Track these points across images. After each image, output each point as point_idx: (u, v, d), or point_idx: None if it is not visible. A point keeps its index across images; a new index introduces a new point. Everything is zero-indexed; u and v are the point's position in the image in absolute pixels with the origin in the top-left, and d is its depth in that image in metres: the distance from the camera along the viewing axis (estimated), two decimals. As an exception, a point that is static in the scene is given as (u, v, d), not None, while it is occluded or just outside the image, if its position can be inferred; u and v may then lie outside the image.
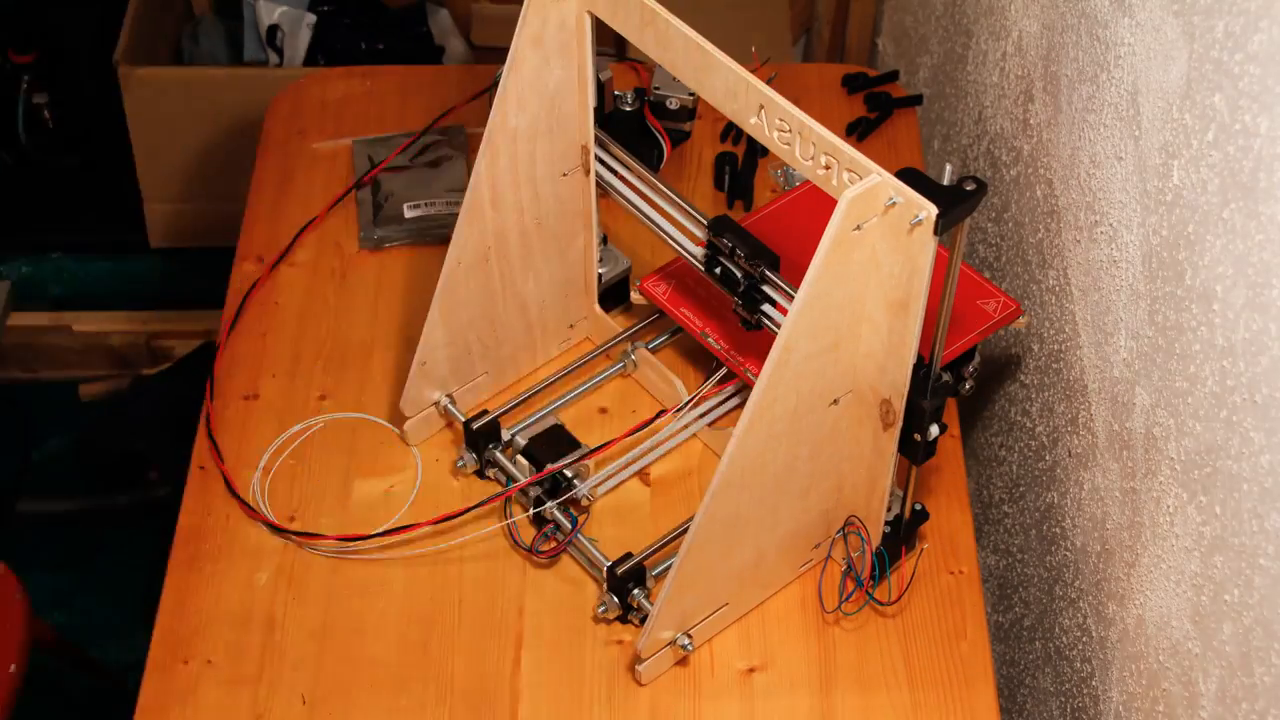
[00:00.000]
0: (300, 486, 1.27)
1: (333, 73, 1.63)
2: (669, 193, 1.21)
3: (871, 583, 1.17)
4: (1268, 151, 0.87)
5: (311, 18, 2.18)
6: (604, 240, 1.34)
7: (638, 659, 1.13)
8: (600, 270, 1.33)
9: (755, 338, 1.22)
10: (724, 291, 1.19)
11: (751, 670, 1.17)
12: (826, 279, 0.96)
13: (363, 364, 1.35)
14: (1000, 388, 1.47)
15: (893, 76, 1.62)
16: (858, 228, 0.95)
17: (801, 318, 0.97)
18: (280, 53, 2.20)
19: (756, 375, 1.17)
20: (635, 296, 1.30)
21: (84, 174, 2.34)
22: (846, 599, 1.18)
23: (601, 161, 1.23)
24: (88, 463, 2.10)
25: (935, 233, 0.95)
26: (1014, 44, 1.39)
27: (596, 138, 1.21)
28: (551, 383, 1.31)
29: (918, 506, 1.19)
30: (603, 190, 1.25)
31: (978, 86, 1.52)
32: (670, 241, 1.22)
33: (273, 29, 2.19)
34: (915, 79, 1.77)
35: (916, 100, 1.59)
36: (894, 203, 0.95)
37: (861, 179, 0.95)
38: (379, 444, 1.30)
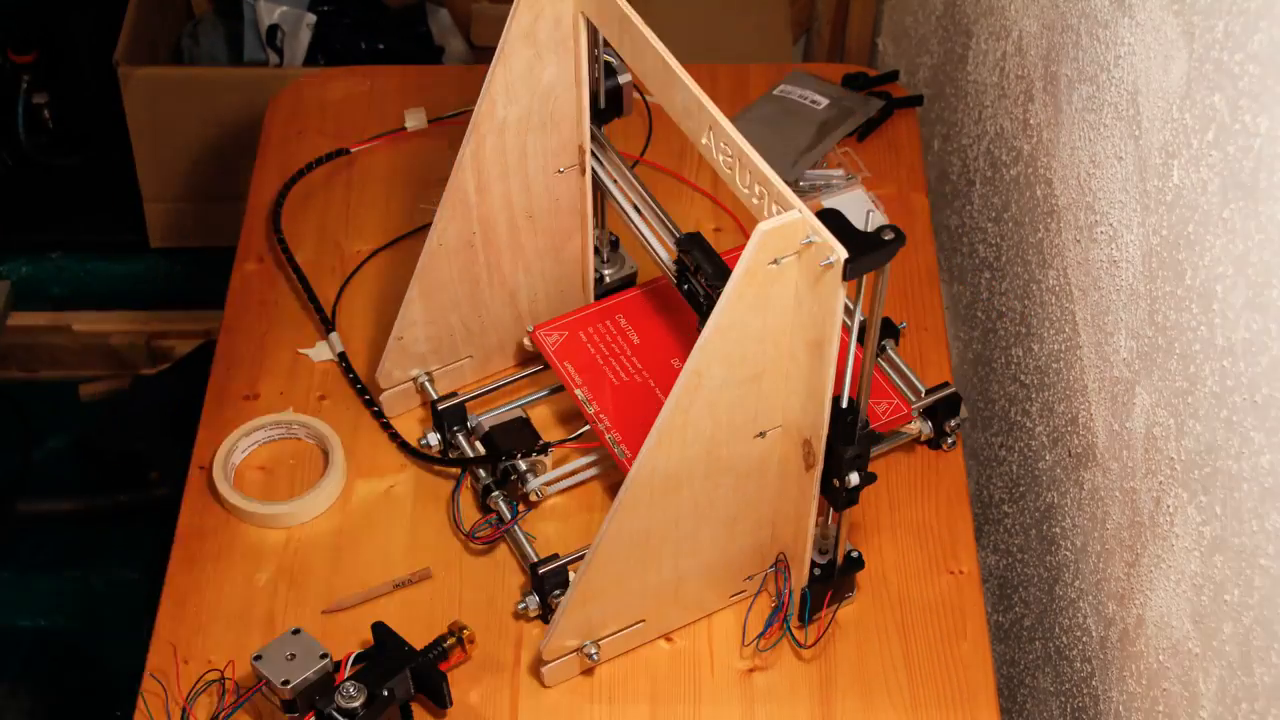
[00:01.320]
0: (300, 487, 1.27)
1: (333, 73, 1.63)
2: (653, 204, 1.22)
3: (798, 622, 1.16)
4: (1268, 151, 0.87)
5: (311, 18, 2.18)
6: (615, 244, 1.34)
7: (542, 660, 1.13)
8: (606, 272, 1.33)
9: (641, 406, 1.22)
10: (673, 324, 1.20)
11: (751, 670, 1.17)
12: (740, 308, 0.97)
13: (362, 363, 1.35)
14: (1000, 388, 1.47)
15: (893, 76, 1.62)
16: (774, 262, 0.95)
17: (711, 344, 0.98)
18: (280, 53, 2.20)
19: (618, 441, 1.19)
20: (526, 343, 1.30)
21: (84, 174, 2.33)
22: (760, 635, 1.16)
23: (599, 162, 1.23)
24: (88, 463, 2.10)
25: (844, 277, 0.95)
26: (1014, 44, 1.39)
27: (595, 138, 1.21)
28: (529, 375, 1.32)
29: (854, 553, 1.18)
30: (601, 189, 1.25)
31: (978, 86, 1.52)
32: (651, 253, 1.23)
33: (273, 29, 2.19)
34: (915, 79, 1.77)
35: (917, 100, 1.59)
36: (810, 241, 0.95)
37: (784, 213, 0.96)
38: (379, 444, 1.30)
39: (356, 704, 1.06)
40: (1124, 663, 1.16)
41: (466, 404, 1.27)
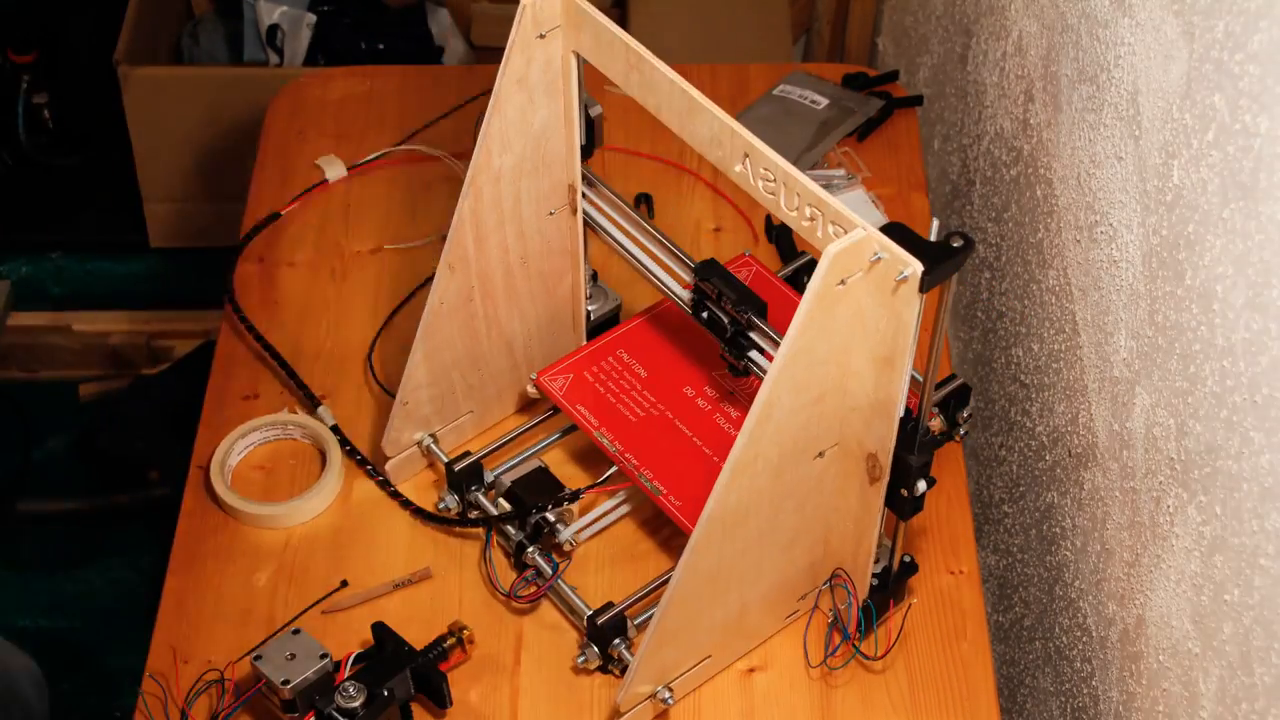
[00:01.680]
0: (299, 487, 1.27)
1: (333, 73, 1.63)
2: (657, 234, 1.19)
3: (858, 636, 1.15)
4: (1268, 151, 0.87)
5: (311, 18, 2.18)
6: (594, 277, 1.32)
7: (617, 713, 1.12)
8: (590, 307, 1.30)
9: (657, 437, 1.20)
10: (707, 337, 1.17)
11: (752, 670, 1.17)
12: (810, 333, 0.95)
13: (362, 364, 1.35)
14: (1000, 388, 1.47)
15: (893, 76, 1.62)
16: (842, 282, 0.93)
17: (784, 372, 0.96)
18: (280, 53, 2.20)
19: (650, 479, 1.16)
20: (531, 390, 1.26)
21: (84, 174, 2.34)
22: (832, 653, 1.15)
23: (589, 200, 1.21)
24: (88, 463, 2.10)
25: (920, 290, 0.94)
26: (1014, 44, 1.39)
27: (584, 176, 1.19)
28: (537, 424, 1.28)
29: (907, 559, 1.17)
30: (594, 227, 1.23)
31: (978, 86, 1.52)
32: (657, 284, 1.20)
33: (273, 29, 2.19)
34: (915, 79, 1.77)
35: (917, 100, 1.59)
36: (879, 258, 0.94)
37: (847, 233, 0.94)
38: (379, 443, 1.30)
39: (356, 704, 1.06)
40: (1124, 663, 1.16)
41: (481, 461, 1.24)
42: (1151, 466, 1.08)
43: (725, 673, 1.16)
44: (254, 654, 1.08)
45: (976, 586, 1.22)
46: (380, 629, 1.12)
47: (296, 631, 1.09)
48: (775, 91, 1.57)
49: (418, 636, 1.13)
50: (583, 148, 1.17)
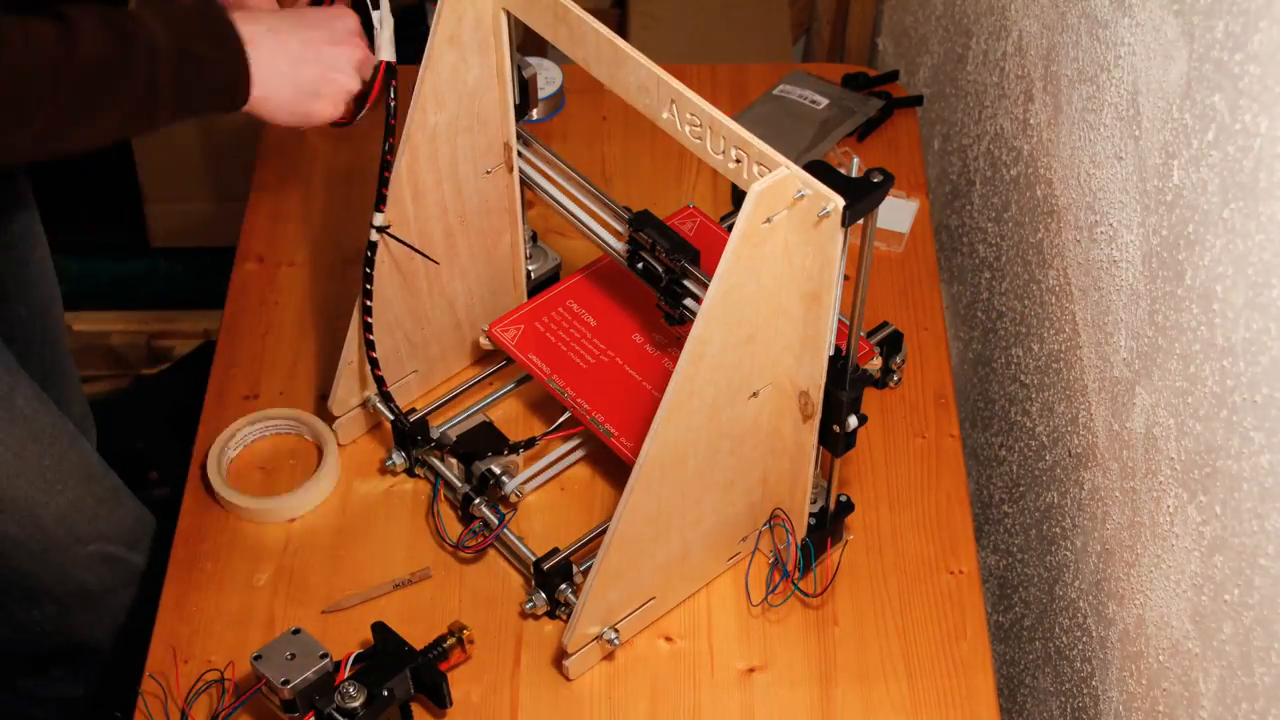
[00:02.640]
0: (297, 483, 1.27)
1: (333, 73, 1.63)
2: (592, 189, 1.21)
3: (797, 574, 1.18)
4: (1268, 151, 0.87)
5: (311, 18, 2.18)
6: (534, 238, 1.34)
7: (564, 654, 1.13)
8: (530, 267, 1.33)
9: (607, 383, 1.22)
10: (642, 290, 1.19)
11: (751, 670, 1.17)
12: (738, 272, 0.97)
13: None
14: (1000, 388, 1.47)
15: (893, 76, 1.62)
16: (768, 220, 0.95)
17: (714, 310, 0.98)
18: (280, 53, 2.19)
19: (602, 422, 1.18)
20: (484, 342, 1.28)
21: (84, 174, 2.33)
22: (772, 591, 1.18)
23: (525, 158, 1.23)
24: (88, 463, 2.09)
25: (842, 224, 0.96)
26: (1014, 44, 1.39)
27: (519, 134, 1.21)
28: (480, 380, 1.31)
29: (843, 498, 1.20)
30: (530, 184, 1.25)
31: (978, 86, 1.52)
32: (593, 237, 1.22)
33: (273, 29, 2.18)
34: (915, 79, 1.77)
35: (916, 100, 1.59)
36: (802, 195, 0.96)
37: (771, 171, 0.96)
38: (379, 445, 1.30)
39: (356, 704, 1.06)
40: (1124, 663, 1.16)
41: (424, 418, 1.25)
42: (1151, 466, 1.08)
43: (725, 672, 1.16)
44: (255, 655, 1.08)
45: (976, 586, 1.22)
46: (380, 629, 1.12)
47: (296, 631, 1.09)
48: (775, 91, 1.57)
49: (418, 636, 1.13)
50: (517, 107, 1.19)
